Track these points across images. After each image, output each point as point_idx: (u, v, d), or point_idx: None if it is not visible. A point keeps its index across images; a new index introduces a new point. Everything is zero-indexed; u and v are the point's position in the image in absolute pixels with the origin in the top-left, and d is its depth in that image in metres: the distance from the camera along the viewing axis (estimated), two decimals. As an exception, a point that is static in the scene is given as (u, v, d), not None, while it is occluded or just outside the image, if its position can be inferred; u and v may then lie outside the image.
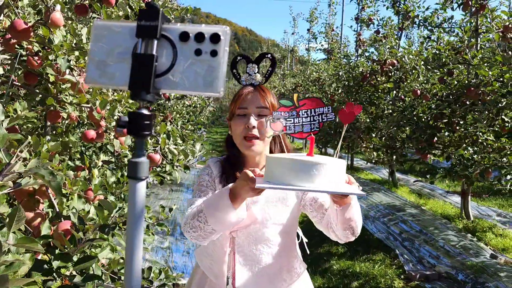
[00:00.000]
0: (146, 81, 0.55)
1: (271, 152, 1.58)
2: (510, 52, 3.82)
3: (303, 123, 1.19)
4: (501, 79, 3.96)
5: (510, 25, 4.40)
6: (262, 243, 1.43)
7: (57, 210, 1.96)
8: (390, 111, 6.51)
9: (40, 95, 2.53)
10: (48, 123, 3.05)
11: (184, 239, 4.74)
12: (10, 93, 2.70)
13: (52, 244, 1.82)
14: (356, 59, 9.29)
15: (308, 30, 15.45)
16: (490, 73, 3.96)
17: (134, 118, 0.56)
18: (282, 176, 1.07)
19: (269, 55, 1.45)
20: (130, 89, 0.56)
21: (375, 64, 7.29)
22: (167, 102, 4.37)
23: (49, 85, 2.59)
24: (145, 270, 2.10)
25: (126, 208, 2.54)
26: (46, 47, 2.33)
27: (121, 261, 1.99)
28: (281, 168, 1.08)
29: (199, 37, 0.58)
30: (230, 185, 1.29)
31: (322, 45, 13.46)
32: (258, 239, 1.43)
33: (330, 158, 1.10)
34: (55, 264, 1.52)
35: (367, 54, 8.34)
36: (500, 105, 3.75)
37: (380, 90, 7.33)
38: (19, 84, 2.52)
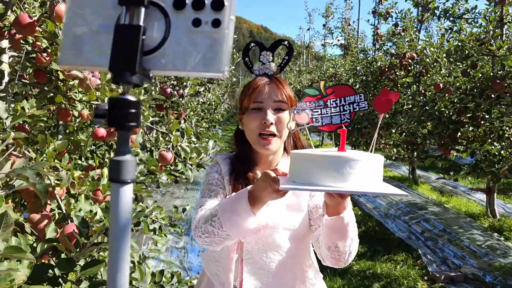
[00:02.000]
0: (131, 59, 0.44)
1: (284, 148, 1.45)
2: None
3: (332, 114, 1.05)
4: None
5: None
6: (273, 250, 1.30)
7: (64, 211, 1.88)
8: (410, 106, 6.30)
9: (51, 94, 2.46)
10: (61, 122, 2.99)
11: (199, 239, 4.65)
12: (24, 92, 2.64)
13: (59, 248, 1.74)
14: (373, 53, 9.07)
15: (324, 25, 15.21)
16: (518, 64, 3.75)
17: (116, 106, 0.45)
18: (310, 175, 0.94)
19: (286, 42, 1.33)
20: (110, 70, 0.45)
21: (393, 58, 7.07)
22: (180, 99, 4.28)
23: (59, 82, 2.52)
24: (156, 274, 2.00)
25: (138, 209, 2.46)
26: (54, 43, 2.25)
27: (130, 265, 1.90)
28: (309, 166, 0.94)
29: (198, 3, 0.46)
30: (249, 187, 1.16)
31: (338, 40, 13.22)
32: (268, 246, 1.30)
33: (365, 154, 0.96)
34: (57, 271, 1.43)
35: (385, 48, 8.12)
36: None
37: (399, 85, 7.11)
38: (28, 82, 2.46)
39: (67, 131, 2.96)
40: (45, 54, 2.30)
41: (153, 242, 4.16)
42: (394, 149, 6.79)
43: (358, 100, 1.05)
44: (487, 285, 3.58)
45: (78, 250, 1.56)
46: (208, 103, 5.30)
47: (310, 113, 1.05)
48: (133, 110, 0.45)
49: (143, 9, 0.45)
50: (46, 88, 2.55)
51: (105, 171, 2.34)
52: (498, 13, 4.75)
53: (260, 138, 1.30)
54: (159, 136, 2.54)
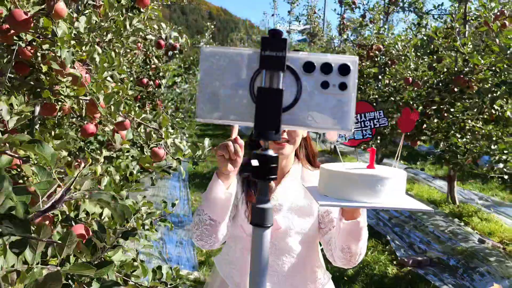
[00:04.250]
0: (275, 120, 0.50)
1: (296, 155, 1.53)
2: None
3: (354, 130, 1.14)
4: (493, 68, 4.01)
5: (499, 13, 4.45)
6: (285, 253, 1.40)
7: (67, 212, 1.87)
8: (376, 96, 6.53)
9: (38, 89, 2.39)
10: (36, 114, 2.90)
11: (176, 230, 4.68)
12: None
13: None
14: (339, 43, 9.26)
15: (289, 12, 15.28)
16: (483, 61, 4.01)
17: (264, 162, 0.51)
18: (343, 191, 1.02)
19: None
20: (256, 128, 0.51)
21: (360, 48, 7.26)
22: (157, 89, 4.24)
23: (42, 76, 2.46)
24: (157, 271, 2.04)
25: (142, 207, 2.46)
26: (41, 36, 2.19)
27: (135, 263, 1.92)
28: (343, 183, 1.03)
29: (326, 68, 0.52)
30: None
31: (303, 24, 13.33)
32: (281, 249, 1.40)
33: (392, 171, 1.06)
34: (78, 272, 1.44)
35: (352, 38, 8.31)
36: (494, 94, 3.80)
37: (365, 75, 7.33)
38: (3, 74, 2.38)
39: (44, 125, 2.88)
40: (29, 47, 2.25)
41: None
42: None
43: (378, 117, 1.15)
44: (450, 268, 3.86)
45: (90, 252, 1.57)
46: (184, 92, 5.27)
47: None
48: (274, 165, 0.51)
49: (281, 73, 0.51)
50: (32, 83, 2.49)
51: (98, 169, 2.32)
52: (462, 11, 5.00)
53: (273, 143, 1.37)
54: (152, 132, 2.54)
